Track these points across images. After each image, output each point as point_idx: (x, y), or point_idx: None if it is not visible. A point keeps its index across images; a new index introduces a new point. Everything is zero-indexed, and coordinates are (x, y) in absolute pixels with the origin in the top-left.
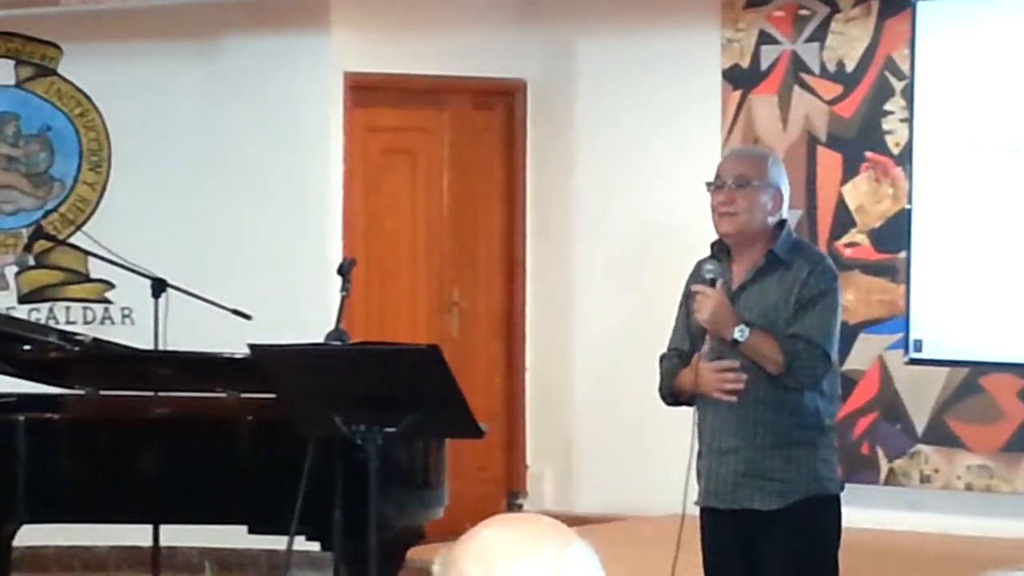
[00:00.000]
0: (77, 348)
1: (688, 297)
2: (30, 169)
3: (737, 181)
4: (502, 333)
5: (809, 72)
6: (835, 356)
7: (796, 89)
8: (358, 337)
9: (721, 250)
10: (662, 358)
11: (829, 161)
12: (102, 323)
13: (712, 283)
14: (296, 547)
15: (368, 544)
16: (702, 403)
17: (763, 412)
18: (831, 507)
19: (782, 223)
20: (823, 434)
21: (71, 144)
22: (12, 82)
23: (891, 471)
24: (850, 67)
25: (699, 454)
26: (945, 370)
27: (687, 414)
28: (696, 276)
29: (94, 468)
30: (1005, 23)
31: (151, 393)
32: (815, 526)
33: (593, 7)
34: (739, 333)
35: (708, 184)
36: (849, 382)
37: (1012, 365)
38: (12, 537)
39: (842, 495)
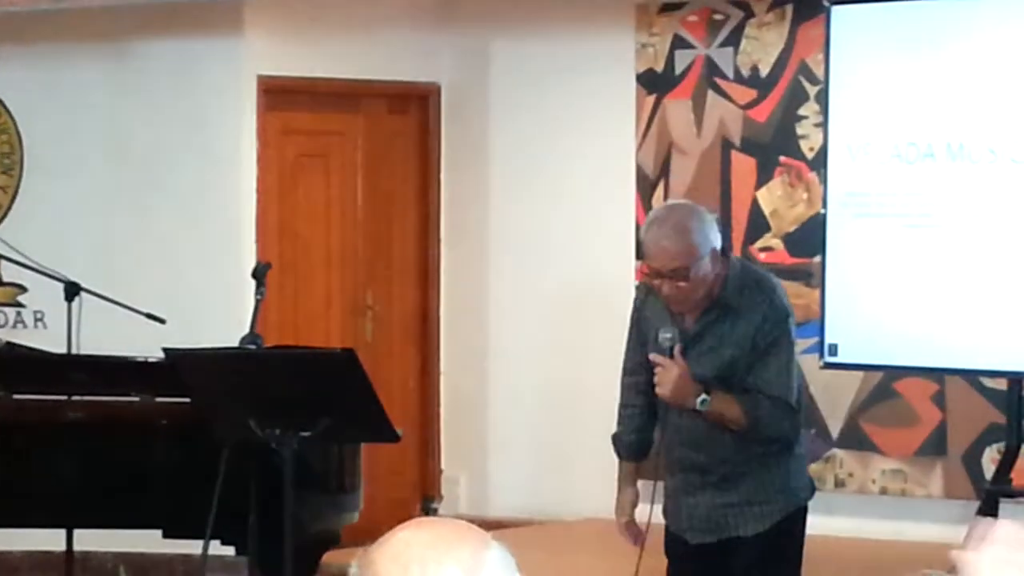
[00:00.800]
0: None
1: (638, 318)
2: None
3: (675, 275)
4: (416, 337)
5: (723, 77)
6: (795, 394)
7: (710, 94)
8: (272, 341)
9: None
10: (622, 406)
11: (743, 166)
12: (14, 327)
13: (669, 352)
14: (211, 552)
15: (283, 549)
16: (669, 449)
17: (730, 449)
18: (802, 517)
19: (725, 252)
20: (791, 450)
21: None
22: None
23: None
24: (764, 72)
25: (667, 490)
26: (860, 374)
27: (601, 418)
28: (643, 299)
29: (7, 472)
30: (920, 28)
31: (65, 397)
32: (789, 539)
33: (507, 11)
34: (700, 403)
35: (640, 261)
36: None
37: (926, 369)
38: None
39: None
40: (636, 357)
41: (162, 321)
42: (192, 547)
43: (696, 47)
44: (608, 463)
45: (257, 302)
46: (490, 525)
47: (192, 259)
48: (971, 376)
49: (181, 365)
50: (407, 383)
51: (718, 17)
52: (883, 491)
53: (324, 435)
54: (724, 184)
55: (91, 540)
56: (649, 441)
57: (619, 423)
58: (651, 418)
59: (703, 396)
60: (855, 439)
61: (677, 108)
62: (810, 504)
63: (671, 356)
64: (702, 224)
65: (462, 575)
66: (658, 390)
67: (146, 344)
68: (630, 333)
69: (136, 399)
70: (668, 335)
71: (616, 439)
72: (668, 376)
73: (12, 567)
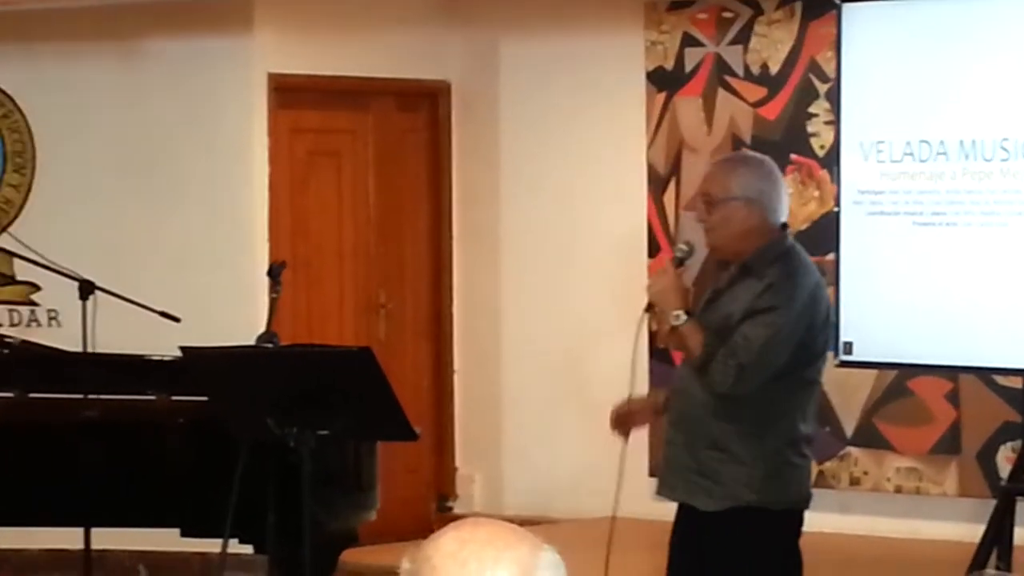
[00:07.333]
0: (6, 350)
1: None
2: None
3: (704, 199)
4: (429, 335)
5: (733, 74)
6: (759, 371)
7: (720, 91)
8: (285, 340)
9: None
10: None
11: None
12: (28, 325)
13: (679, 262)
14: (229, 550)
15: (301, 547)
16: (671, 398)
17: (699, 410)
18: (771, 520)
19: (781, 228)
20: (765, 444)
21: None
22: None
23: (821, 473)
24: (774, 69)
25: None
26: (874, 372)
27: None
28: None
29: (25, 471)
30: (931, 25)
31: (80, 396)
32: (746, 539)
33: (516, 8)
34: (675, 317)
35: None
36: None
37: (940, 367)
38: None
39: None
40: None
41: (177, 320)
42: (210, 545)
43: (706, 45)
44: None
45: (273, 300)
46: None
47: (206, 257)
48: (985, 374)
49: (198, 364)
50: (421, 381)
51: (727, 15)
52: (898, 489)
53: (342, 433)
54: None
55: (109, 538)
56: None
57: None
58: None
59: (680, 312)
60: (870, 437)
61: (687, 106)
62: (825, 502)
63: (679, 265)
64: (756, 176)
65: (519, 574)
66: (647, 288)
67: (161, 342)
68: None
69: (152, 397)
70: (683, 246)
71: None
72: (659, 281)
73: (30, 564)
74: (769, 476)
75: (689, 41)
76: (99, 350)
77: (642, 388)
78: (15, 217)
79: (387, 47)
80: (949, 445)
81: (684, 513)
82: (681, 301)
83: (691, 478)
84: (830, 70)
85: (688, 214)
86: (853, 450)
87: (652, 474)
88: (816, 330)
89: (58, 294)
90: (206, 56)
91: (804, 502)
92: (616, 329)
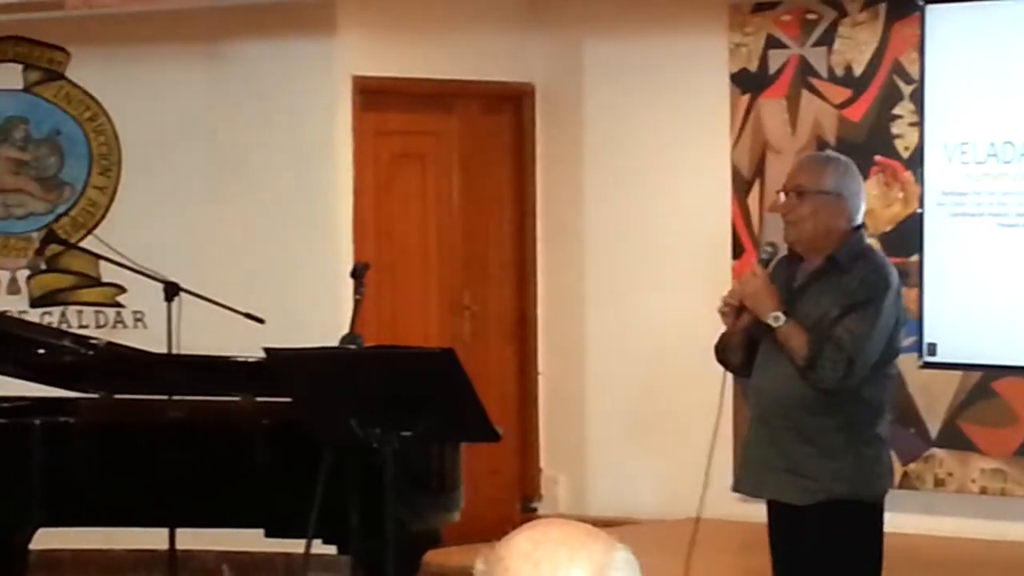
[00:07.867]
0: (92, 352)
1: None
2: (40, 173)
3: (796, 190)
4: (514, 337)
5: (817, 76)
6: (863, 360)
7: (804, 93)
8: (370, 342)
9: (794, 253)
10: None
11: None
12: (114, 327)
13: (765, 263)
14: (313, 550)
15: (385, 547)
16: (750, 387)
17: (790, 407)
18: (861, 512)
19: (857, 228)
20: (854, 438)
21: (80, 148)
22: (20, 86)
23: (905, 475)
24: (858, 71)
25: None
26: (958, 374)
27: (701, 416)
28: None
29: (110, 472)
30: (1015, 27)
31: (166, 397)
32: (839, 528)
33: (600, 10)
34: (773, 319)
35: (777, 192)
36: None
37: None
38: (29, 540)
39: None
40: None
41: (261, 321)
42: (294, 546)
43: (790, 47)
44: (706, 459)
45: (356, 302)
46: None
47: (290, 259)
48: None
49: (282, 365)
50: (505, 383)
51: (811, 16)
52: (983, 491)
53: (425, 434)
54: None
55: (194, 538)
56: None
57: None
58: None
59: (779, 314)
60: (954, 439)
61: (771, 108)
62: (909, 503)
63: (766, 266)
64: (846, 175)
65: (593, 573)
66: (740, 286)
67: (245, 344)
68: None
69: (237, 399)
70: (768, 247)
71: None
72: (752, 283)
73: (116, 565)
74: (860, 469)
75: (773, 43)
76: (184, 351)
77: (729, 393)
78: (101, 219)
79: (471, 49)
80: None
81: (776, 510)
82: (776, 302)
83: (780, 475)
84: (914, 71)
85: (772, 215)
86: (938, 451)
87: None
88: (899, 326)
89: (144, 296)
90: (290, 59)
91: (885, 494)
92: (700, 330)
